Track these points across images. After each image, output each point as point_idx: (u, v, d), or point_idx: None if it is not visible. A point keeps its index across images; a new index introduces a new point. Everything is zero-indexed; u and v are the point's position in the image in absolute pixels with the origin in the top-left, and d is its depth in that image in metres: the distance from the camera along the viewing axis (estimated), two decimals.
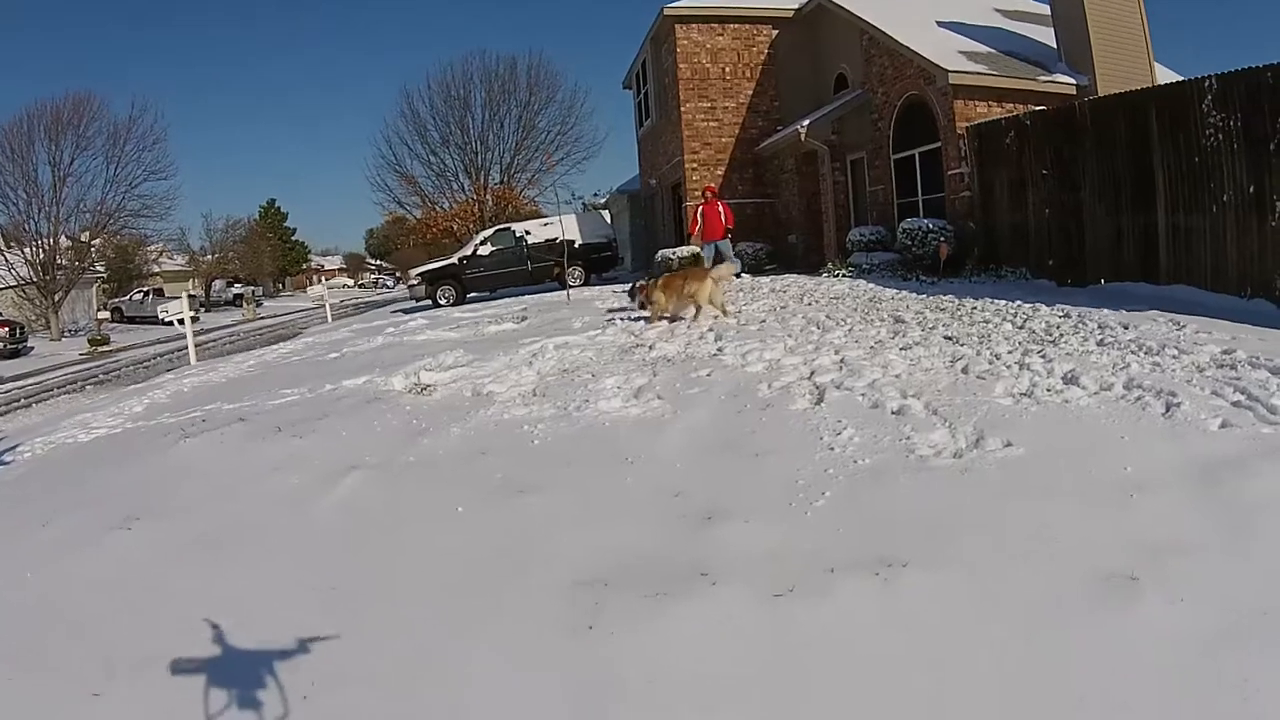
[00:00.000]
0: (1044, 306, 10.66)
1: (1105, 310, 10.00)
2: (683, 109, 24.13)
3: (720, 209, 18.53)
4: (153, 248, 54.50)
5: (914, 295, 13.34)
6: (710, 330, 11.26)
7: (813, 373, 8.23)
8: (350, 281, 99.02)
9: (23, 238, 40.37)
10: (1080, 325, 9.25)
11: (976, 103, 16.40)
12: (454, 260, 28.61)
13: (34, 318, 40.67)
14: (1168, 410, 6.04)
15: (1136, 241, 12.25)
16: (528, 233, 28.06)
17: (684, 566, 4.50)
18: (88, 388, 22.32)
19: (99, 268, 48.21)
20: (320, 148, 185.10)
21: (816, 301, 13.60)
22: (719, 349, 9.83)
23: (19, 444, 10.13)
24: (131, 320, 47.30)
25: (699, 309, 12.33)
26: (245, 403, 10.36)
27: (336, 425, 8.26)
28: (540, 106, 45.55)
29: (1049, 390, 6.88)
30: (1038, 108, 15.02)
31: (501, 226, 30.22)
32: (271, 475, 6.95)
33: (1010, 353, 8.20)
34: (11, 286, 40.43)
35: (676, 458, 6.31)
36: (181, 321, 22.35)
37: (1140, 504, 4.69)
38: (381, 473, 6.71)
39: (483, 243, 28.50)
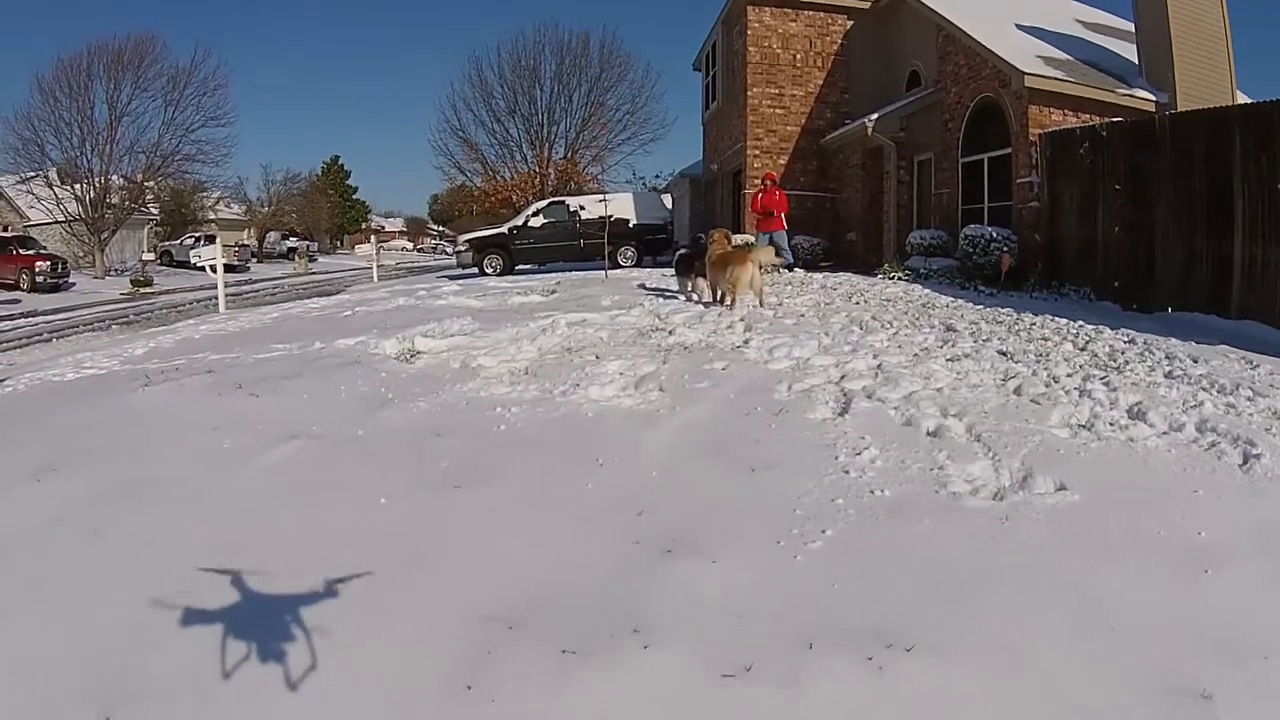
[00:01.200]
0: (1107, 329, 9.56)
1: (1173, 340, 8.88)
2: (749, 94, 23.15)
3: (778, 197, 18.09)
4: (210, 195, 54.16)
5: (970, 305, 12.29)
6: (741, 320, 10.26)
7: (843, 377, 7.21)
8: (409, 245, 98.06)
9: (75, 174, 40.28)
10: (1147, 353, 8.15)
11: (1051, 110, 15.40)
12: (504, 230, 27.82)
13: (81, 254, 40.47)
14: (1245, 461, 5.10)
15: (1209, 269, 11.18)
16: (582, 208, 26.99)
17: (617, 615, 3.48)
18: (113, 327, 21.79)
19: (153, 209, 48.12)
20: (390, 110, 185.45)
21: (866, 302, 12.55)
22: (745, 341, 8.85)
23: (6, 379, 9.63)
24: (180, 265, 46.43)
25: (735, 295, 11.35)
26: (231, 355, 9.70)
27: (302, 387, 7.50)
28: (611, 84, 44.42)
29: (1112, 424, 5.87)
30: (1103, 121, 14.08)
31: (555, 199, 29.50)
32: (210, 434, 6.21)
33: (1070, 376, 7.16)
34: (58, 222, 40.26)
35: (656, 463, 5.30)
36: (214, 269, 21.50)
37: (1216, 582, 3.76)
38: (321, 445, 5.88)
39: (535, 214, 27.61)
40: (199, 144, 42.70)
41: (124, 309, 26.98)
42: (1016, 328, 9.81)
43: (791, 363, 7.78)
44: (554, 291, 15.12)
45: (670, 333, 9.35)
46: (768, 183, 18.67)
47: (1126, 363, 7.69)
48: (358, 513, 4.68)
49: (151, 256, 42.55)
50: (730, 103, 25.50)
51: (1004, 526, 4.33)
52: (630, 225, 26.66)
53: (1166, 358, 7.87)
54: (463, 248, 28.71)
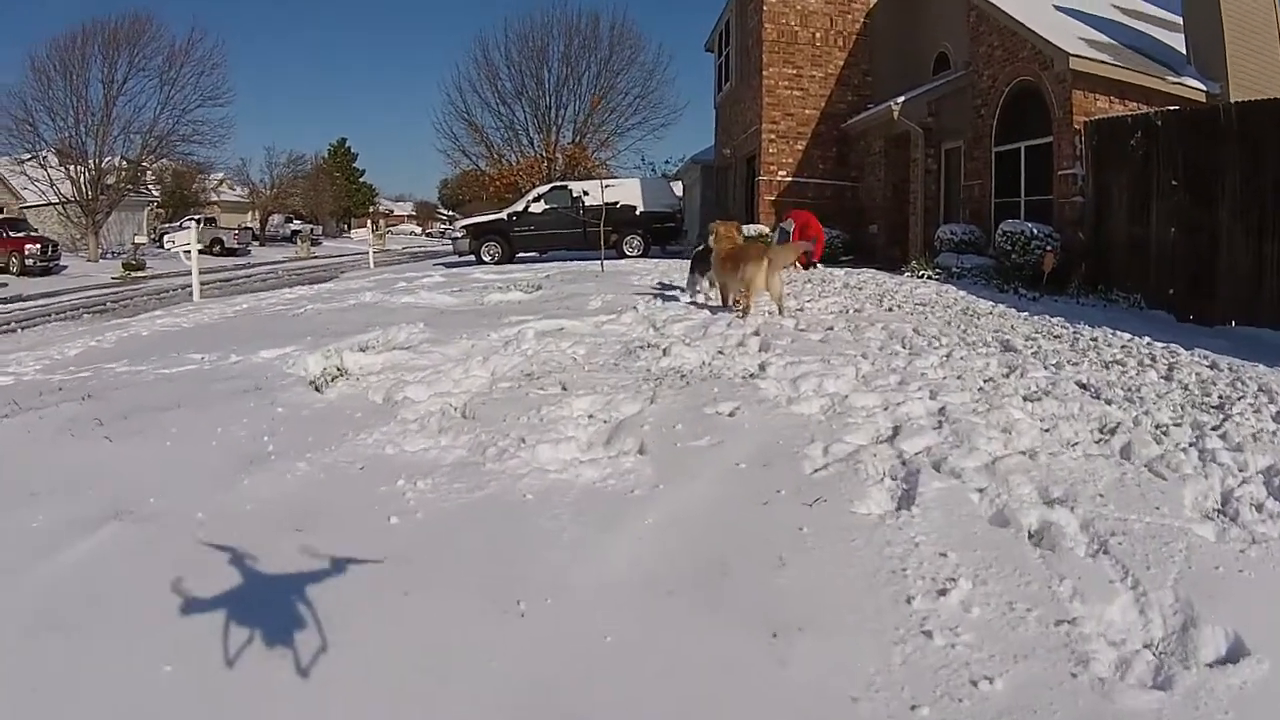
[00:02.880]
0: (1181, 350, 7.85)
1: (1260, 366, 7.17)
2: (765, 74, 21.72)
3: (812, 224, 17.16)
4: (213, 176, 52.66)
5: (1015, 312, 10.59)
6: (755, 334, 8.23)
7: (897, 430, 5.20)
8: (418, 229, 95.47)
9: (70, 155, 38.75)
10: (1239, 384, 6.46)
11: (1097, 96, 14.21)
12: (502, 216, 26.15)
13: (79, 237, 39.07)
14: None
15: None
16: (585, 193, 25.31)
17: None
18: (85, 316, 19.87)
19: (153, 191, 46.62)
20: (402, 94, 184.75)
21: (899, 306, 10.69)
22: (760, 365, 6.87)
23: None
24: None
25: (748, 301, 9.40)
26: (140, 367, 7.86)
27: (173, 426, 5.57)
28: (621, 67, 42.64)
29: (1257, 509, 4.14)
30: (1159, 109, 12.87)
31: (558, 184, 27.89)
32: (26, 504, 4.38)
33: (1177, 424, 5.35)
34: (51, 204, 38.86)
35: (613, 610, 3.28)
36: (188, 254, 19.72)
37: None
38: (140, 537, 3.98)
39: (536, 199, 25.92)
40: (195, 124, 41.26)
41: (107, 295, 25.37)
42: (1080, 346, 8.15)
43: (824, 402, 5.79)
44: (539, 288, 13.16)
45: (665, 351, 7.35)
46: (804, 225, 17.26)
47: (1225, 400, 5.98)
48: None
49: (144, 239, 40.84)
50: (744, 84, 24.21)
51: None
52: (637, 213, 25.25)
53: (1261, 391, 6.18)
54: (459, 234, 27.08)
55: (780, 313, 9.42)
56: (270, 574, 3.53)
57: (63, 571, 3.65)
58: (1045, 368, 6.94)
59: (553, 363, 6.96)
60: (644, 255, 24.28)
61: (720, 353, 7.42)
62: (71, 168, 38.18)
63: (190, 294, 18.74)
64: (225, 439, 5.21)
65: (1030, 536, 3.83)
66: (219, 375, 7.07)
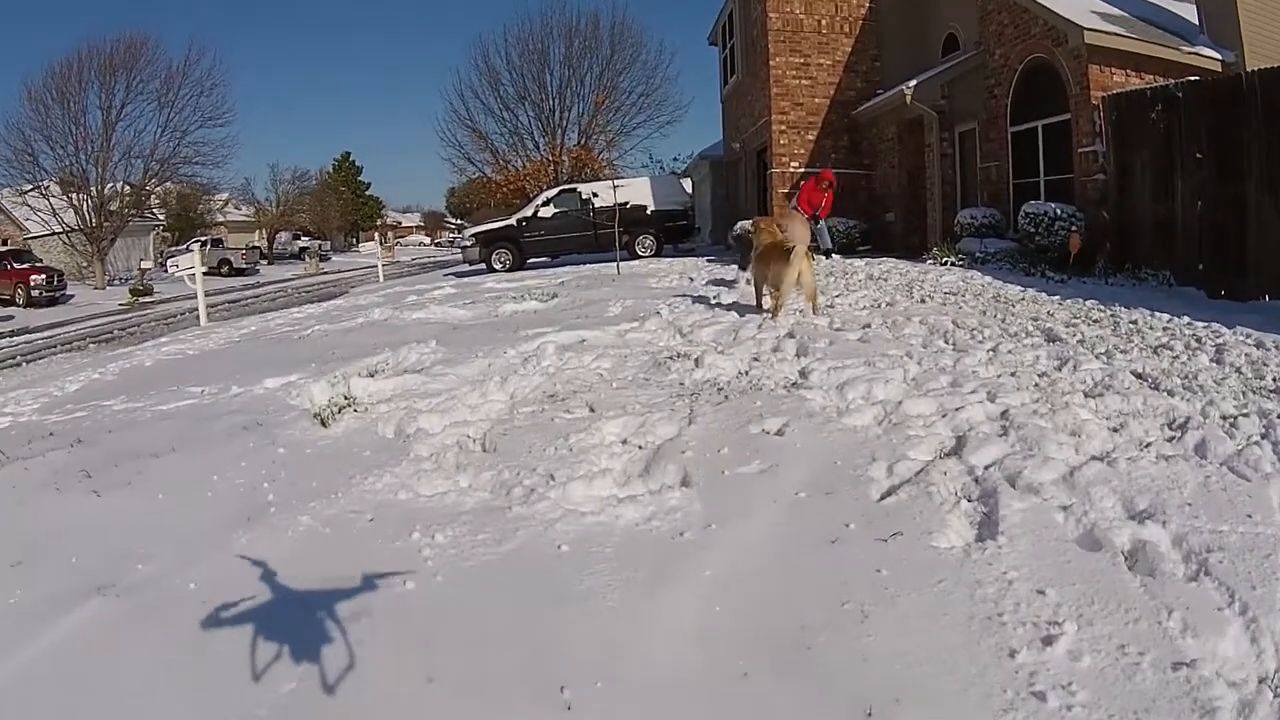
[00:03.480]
0: (1224, 329, 7.50)
1: None
2: (771, 64, 20.99)
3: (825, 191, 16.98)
4: (218, 197, 52.28)
5: (1046, 296, 10.15)
6: (791, 336, 7.67)
7: (960, 441, 4.67)
8: (426, 240, 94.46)
9: (72, 183, 37.97)
10: None
11: (1113, 69, 13.74)
12: (512, 222, 25.55)
13: (85, 265, 38.62)
14: None
15: None
16: (595, 195, 24.84)
17: None
18: (91, 345, 19.45)
19: (158, 215, 46.14)
20: (405, 104, 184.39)
21: (929, 297, 10.18)
22: (801, 372, 6.34)
23: None
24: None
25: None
26: (137, 404, 7.30)
27: (165, 475, 5.04)
28: (623, 66, 41.90)
29: None
30: (1179, 81, 12.29)
31: (566, 186, 27.17)
32: (6, 575, 3.90)
33: (1243, 414, 4.95)
34: (54, 234, 38.29)
35: (674, 691, 2.75)
36: (192, 278, 19.23)
37: None
38: (122, 618, 3.46)
39: (545, 204, 25.36)
40: (196, 146, 40.60)
41: (114, 323, 24.85)
42: (1123, 330, 7.77)
43: (876, 412, 5.27)
44: (555, 296, 12.58)
45: (697, 361, 6.80)
46: (824, 182, 17.26)
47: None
48: None
49: (149, 265, 40.44)
50: (751, 75, 23.51)
51: None
52: (648, 212, 24.72)
53: None
54: (468, 243, 26.53)
55: (814, 311, 8.91)
56: (267, 662, 3.00)
57: (36, 662, 3.16)
58: (1095, 357, 6.54)
59: (577, 380, 6.45)
60: (657, 255, 23.83)
61: (756, 360, 6.90)
62: (74, 195, 37.66)
63: (198, 319, 18.36)
64: (222, 488, 4.69)
65: (1125, 559, 3.40)
66: (219, 410, 6.56)
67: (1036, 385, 5.76)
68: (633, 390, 6.08)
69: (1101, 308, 9.02)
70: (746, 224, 18.04)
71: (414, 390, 6.44)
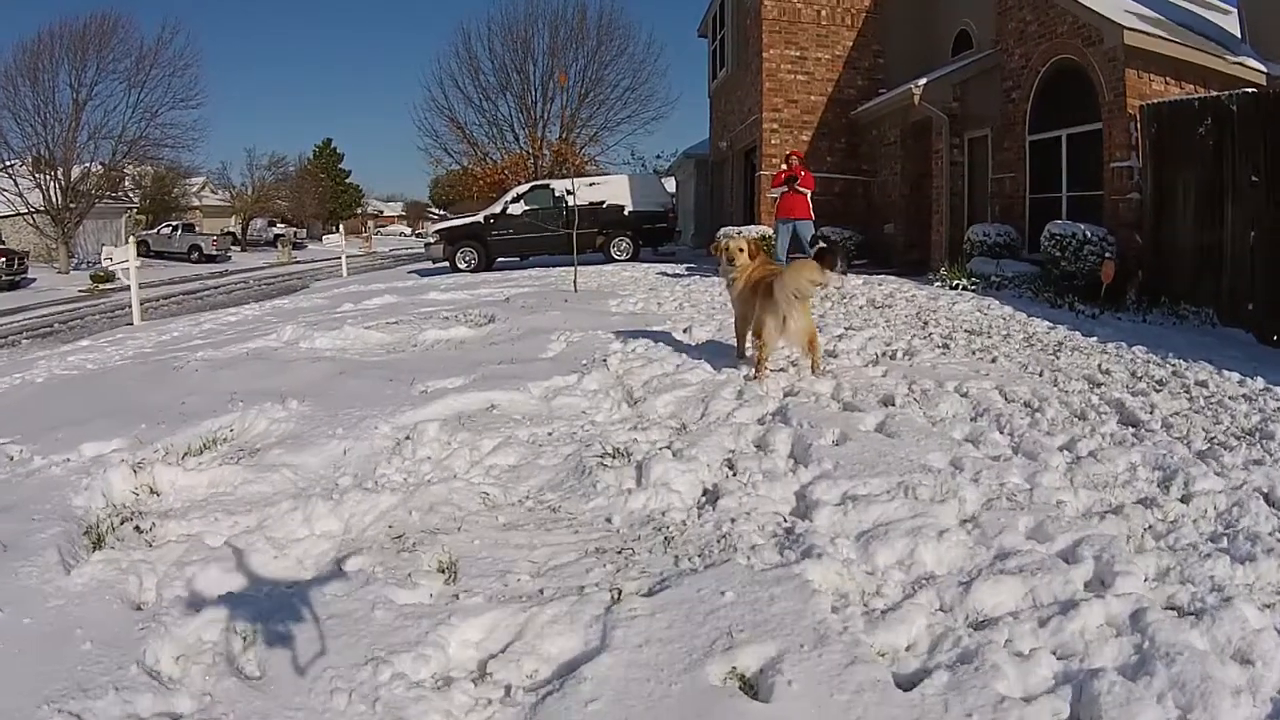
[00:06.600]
0: None
1: None
2: (764, 56, 19.37)
3: (805, 177, 14.87)
4: (194, 181, 50.54)
5: (1082, 337, 8.57)
6: (782, 419, 5.44)
7: (1079, 696, 2.54)
8: (407, 230, 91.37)
9: (39, 162, 36.65)
10: None
11: (1152, 76, 12.40)
12: (479, 219, 23.72)
13: (54, 247, 36.89)
14: None
15: None
16: (569, 193, 22.53)
17: None
18: (23, 342, 17.58)
19: (132, 197, 44.56)
20: (389, 92, 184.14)
21: (950, 339, 8.24)
22: (799, 503, 4.16)
23: None
24: (159, 255, 42.63)
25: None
26: None
27: None
28: (609, 58, 40.30)
29: None
30: (1234, 92, 10.85)
31: (539, 183, 25.38)
32: None
33: None
34: (19, 214, 36.53)
35: None
36: (126, 271, 17.44)
37: None
38: None
39: (514, 200, 23.47)
40: (165, 127, 39.33)
41: (63, 313, 23.52)
42: (1200, 401, 5.97)
43: (929, 609, 3.09)
44: (491, 320, 10.22)
45: (640, 469, 4.53)
46: (794, 160, 15.19)
47: None
48: None
49: (112, 249, 38.76)
50: (742, 68, 22.01)
51: None
52: (626, 213, 23.12)
53: None
54: (432, 239, 24.73)
55: (814, 370, 6.63)
56: None
57: None
58: (1198, 458, 4.64)
59: (448, 505, 4.17)
60: (633, 259, 22.32)
61: (730, 466, 4.65)
62: (41, 176, 36.16)
63: (150, 309, 17.07)
64: None
65: None
66: None
67: (1152, 530, 3.77)
68: (527, 534, 3.85)
69: (1156, 360, 7.33)
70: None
71: (224, 497, 4.28)
